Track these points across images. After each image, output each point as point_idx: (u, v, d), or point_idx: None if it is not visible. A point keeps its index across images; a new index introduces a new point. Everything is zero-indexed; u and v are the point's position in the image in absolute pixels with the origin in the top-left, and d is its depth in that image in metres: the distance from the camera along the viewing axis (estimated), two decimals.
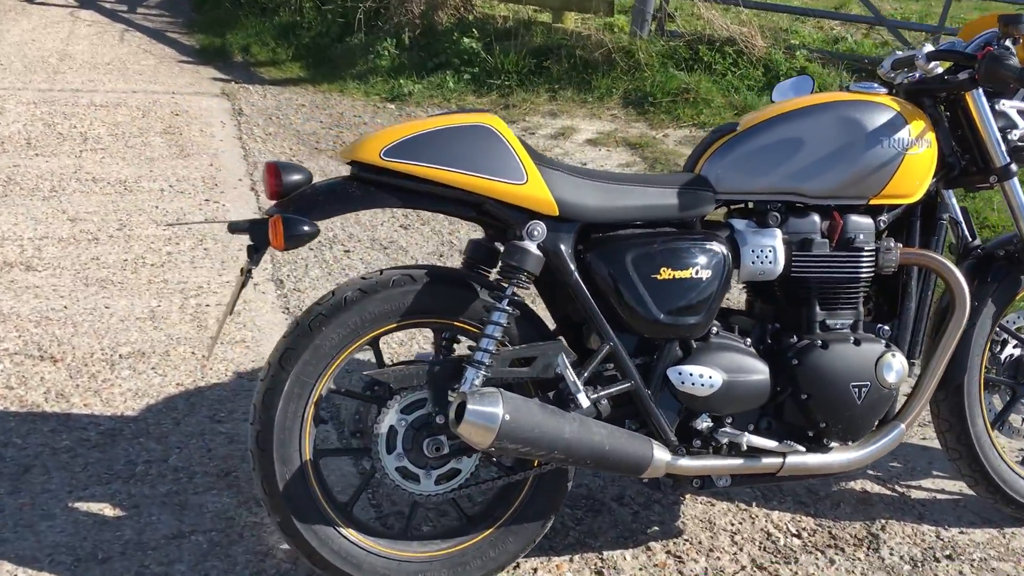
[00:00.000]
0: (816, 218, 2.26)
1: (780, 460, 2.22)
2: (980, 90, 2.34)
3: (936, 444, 2.91)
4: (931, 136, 2.29)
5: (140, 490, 2.47)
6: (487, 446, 1.91)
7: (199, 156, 5.26)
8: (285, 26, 8.18)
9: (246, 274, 2.02)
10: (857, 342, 2.23)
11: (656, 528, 2.50)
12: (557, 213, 2.05)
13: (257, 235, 1.99)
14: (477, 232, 4.41)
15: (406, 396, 2.05)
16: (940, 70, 2.38)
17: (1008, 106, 2.42)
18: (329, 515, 2.06)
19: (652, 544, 2.43)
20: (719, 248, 2.16)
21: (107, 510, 2.39)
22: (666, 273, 2.11)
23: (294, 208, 1.98)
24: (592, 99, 6.46)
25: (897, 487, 2.76)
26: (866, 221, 2.28)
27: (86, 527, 2.32)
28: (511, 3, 7.66)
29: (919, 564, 2.43)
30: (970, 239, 2.57)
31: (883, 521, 2.59)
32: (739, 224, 2.24)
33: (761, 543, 2.47)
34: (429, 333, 3.25)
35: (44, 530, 2.29)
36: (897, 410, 2.36)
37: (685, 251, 2.13)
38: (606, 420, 2.11)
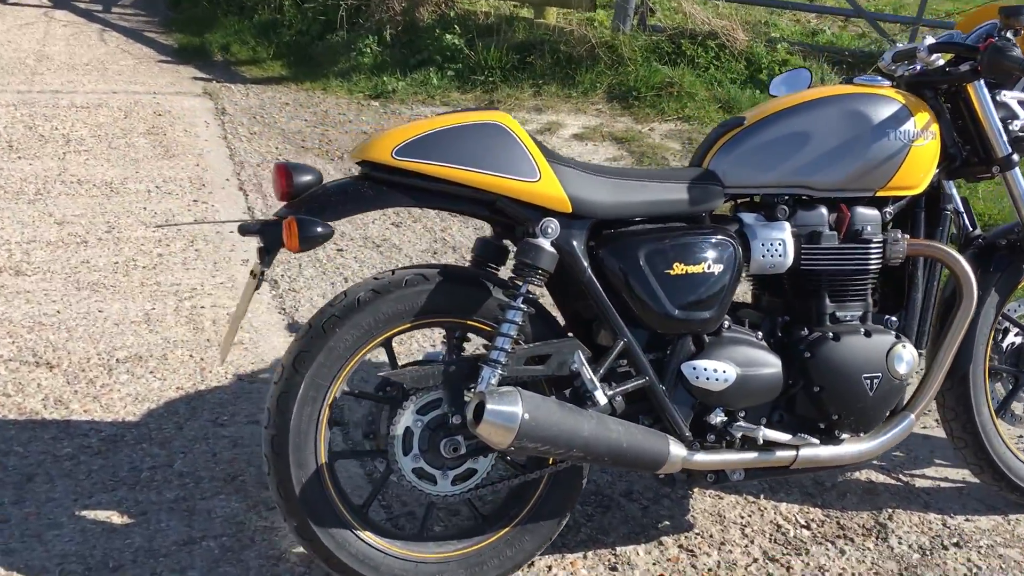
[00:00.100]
0: (824, 211, 2.27)
1: (794, 453, 2.23)
2: (982, 81, 2.36)
3: (937, 433, 2.95)
4: (935, 128, 2.31)
5: (147, 496, 2.44)
6: (507, 446, 1.90)
7: (184, 156, 5.20)
8: (265, 24, 8.11)
9: (259, 276, 1.99)
10: (868, 334, 2.24)
11: (667, 523, 2.50)
12: (570, 210, 2.04)
13: (269, 237, 1.96)
14: (469, 229, 4.42)
15: (421, 397, 2.04)
16: (941, 62, 2.40)
17: (1009, 97, 2.44)
18: (346, 518, 2.04)
19: (664, 539, 2.43)
20: (730, 242, 2.16)
21: (115, 517, 2.35)
22: (679, 268, 2.11)
23: (306, 209, 1.96)
24: (576, 94, 6.46)
25: (901, 476, 2.78)
26: (873, 213, 2.29)
27: (95, 535, 2.29)
28: None
29: (928, 552, 2.45)
30: (971, 229, 2.59)
31: (890, 510, 2.61)
32: (748, 218, 2.24)
33: (771, 535, 2.48)
34: (427, 332, 3.24)
35: (52, 539, 2.26)
36: (906, 400, 2.37)
37: (697, 246, 2.13)
38: (620, 416, 2.11)
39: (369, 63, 7.09)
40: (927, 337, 2.40)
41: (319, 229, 1.91)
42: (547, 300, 2.32)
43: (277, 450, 1.99)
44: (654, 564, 2.34)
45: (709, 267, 2.13)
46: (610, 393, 2.08)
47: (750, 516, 2.55)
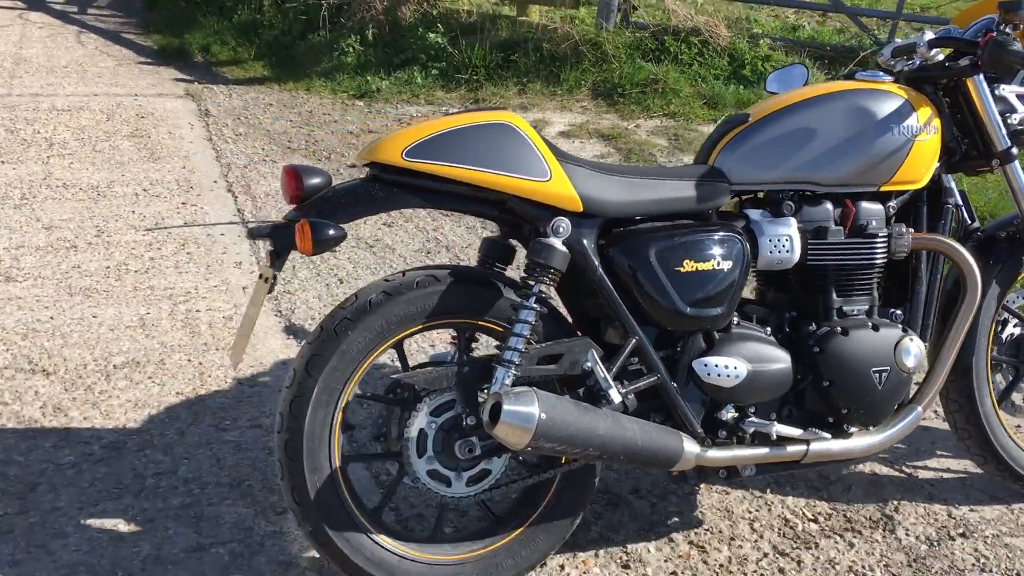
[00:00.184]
0: (829, 206, 2.27)
1: (804, 448, 2.24)
2: (981, 76, 2.37)
3: (937, 424, 2.98)
4: (937, 122, 2.32)
5: (152, 504, 2.41)
6: (524, 446, 1.90)
7: (170, 159, 5.16)
8: (245, 24, 8.05)
9: (271, 280, 1.97)
10: (876, 327, 2.25)
11: (675, 519, 2.50)
12: (581, 209, 2.04)
13: (280, 240, 1.95)
14: (461, 228, 4.40)
15: (435, 398, 2.03)
16: (941, 57, 2.41)
17: (1007, 91, 2.46)
18: (361, 522, 2.03)
19: (674, 535, 2.44)
20: (738, 239, 2.16)
21: (121, 525, 2.33)
22: (689, 266, 2.11)
23: (317, 212, 1.94)
24: (561, 92, 6.46)
25: (904, 468, 2.80)
26: (877, 208, 2.30)
27: (102, 544, 2.26)
28: None
29: (935, 544, 2.47)
30: (969, 222, 2.61)
31: (895, 502, 2.62)
32: (754, 214, 2.25)
33: (780, 529, 2.49)
34: (426, 333, 3.22)
35: (58, 549, 2.23)
36: (912, 394, 2.39)
37: (707, 243, 2.13)
38: (632, 414, 2.11)
39: (352, 63, 7.06)
40: (931, 330, 2.42)
41: (332, 232, 1.90)
42: (553, 299, 2.31)
43: (291, 455, 1.97)
44: (665, 561, 2.35)
45: (719, 264, 2.13)
46: (623, 391, 2.07)
47: (758, 511, 2.56)
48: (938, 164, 2.37)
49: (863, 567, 2.36)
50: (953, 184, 2.51)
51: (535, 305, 2.01)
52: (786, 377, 2.20)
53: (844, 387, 2.22)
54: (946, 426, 2.79)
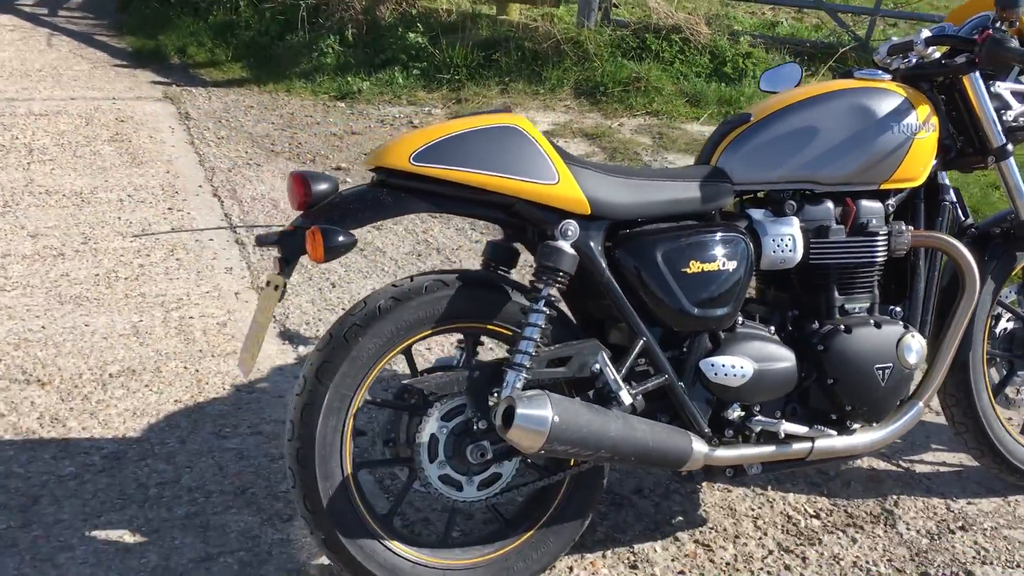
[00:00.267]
0: (830, 205, 2.30)
1: (810, 445, 2.26)
2: (978, 73, 2.40)
3: (931, 418, 3.01)
4: (935, 120, 2.35)
5: (157, 513, 2.39)
6: (537, 449, 1.90)
7: (153, 163, 5.11)
8: (221, 25, 7.98)
9: (282, 289, 1.96)
10: (878, 325, 2.28)
11: (680, 518, 2.52)
12: (589, 212, 2.04)
13: (289, 246, 1.94)
14: (451, 230, 4.39)
15: (445, 403, 2.02)
16: (937, 55, 2.44)
17: (1003, 87, 2.49)
18: (373, 528, 2.02)
19: (679, 534, 2.45)
20: (742, 239, 2.18)
21: (127, 537, 2.31)
22: (695, 266, 2.12)
23: (325, 218, 1.94)
24: (544, 91, 6.47)
25: (902, 462, 2.83)
26: (877, 206, 2.33)
27: (108, 556, 2.24)
28: None
29: (936, 537, 2.50)
30: (963, 218, 2.64)
31: (895, 497, 2.65)
32: (756, 214, 2.26)
33: (783, 526, 2.51)
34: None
35: (64, 563, 2.21)
36: (912, 389, 2.42)
37: (712, 244, 2.14)
38: (640, 415, 2.12)
39: (332, 63, 7.02)
40: (929, 326, 2.44)
41: (342, 238, 1.90)
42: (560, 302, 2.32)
43: (303, 463, 1.97)
44: (672, 560, 2.36)
45: (724, 264, 2.14)
46: (633, 392, 2.08)
47: (760, 508, 2.58)
48: (935, 161, 2.40)
49: (867, 562, 2.39)
50: (947, 181, 2.54)
51: (545, 308, 2.01)
52: (791, 375, 2.22)
53: (848, 384, 2.25)
54: (940, 420, 2.84)
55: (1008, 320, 2.74)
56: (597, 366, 2.07)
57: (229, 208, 4.53)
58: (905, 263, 2.42)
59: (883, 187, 2.33)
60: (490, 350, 3.12)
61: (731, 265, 2.15)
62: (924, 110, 2.32)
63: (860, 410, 2.28)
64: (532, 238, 2.13)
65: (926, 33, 2.41)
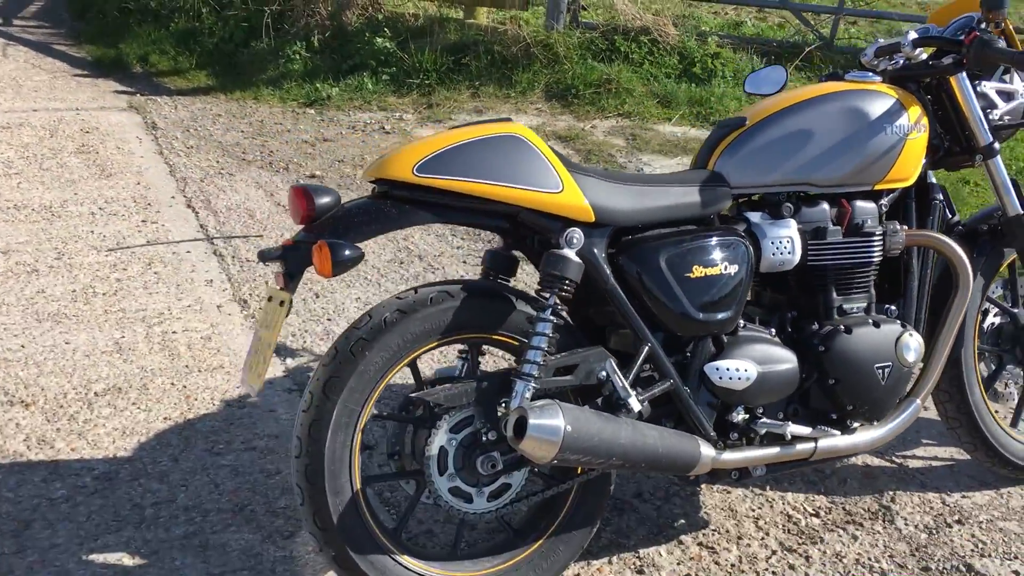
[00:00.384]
0: (826, 206, 2.31)
1: (813, 445, 2.27)
2: (964, 73, 2.44)
3: (920, 414, 3.03)
4: (925, 120, 2.38)
5: (155, 534, 2.35)
6: (550, 459, 1.89)
7: (123, 175, 5.02)
8: (183, 33, 7.88)
9: (288, 304, 1.93)
10: (876, 324, 2.30)
11: (682, 521, 2.52)
12: (593, 219, 2.04)
13: (292, 261, 1.92)
14: (431, 236, 4.37)
15: (454, 415, 2.01)
16: (924, 56, 2.47)
17: (988, 87, 2.53)
18: (384, 544, 2.00)
19: (683, 537, 2.45)
20: (743, 242, 2.19)
21: (125, 559, 2.26)
22: (699, 271, 2.12)
23: (330, 232, 1.91)
24: (515, 94, 6.46)
25: (895, 458, 2.86)
26: (871, 206, 2.35)
27: None
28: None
29: (934, 531, 2.53)
30: (950, 216, 2.67)
31: (891, 493, 2.68)
32: (754, 217, 2.27)
33: (784, 526, 2.52)
34: None
35: None
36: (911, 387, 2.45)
37: (713, 248, 2.15)
38: (646, 421, 2.12)
39: (300, 70, 6.96)
40: (923, 324, 2.47)
41: (350, 252, 1.87)
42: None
43: (311, 479, 1.94)
44: (678, 564, 2.36)
45: (726, 268, 2.15)
46: (640, 398, 2.08)
47: (760, 508, 2.59)
48: (924, 161, 2.43)
49: (869, 559, 2.41)
50: (934, 180, 2.57)
51: (552, 317, 2.01)
52: (793, 377, 2.24)
53: (849, 384, 2.26)
54: (929, 415, 2.87)
55: (995, 315, 2.78)
56: (604, 373, 2.07)
57: (204, 219, 4.46)
58: (897, 262, 2.45)
59: (876, 188, 2.35)
60: (491, 359, 3.11)
61: (733, 269, 2.16)
62: (915, 111, 2.35)
63: (861, 409, 2.30)
64: (532, 246, 2.13)
65: (913, 35, 2.44)
